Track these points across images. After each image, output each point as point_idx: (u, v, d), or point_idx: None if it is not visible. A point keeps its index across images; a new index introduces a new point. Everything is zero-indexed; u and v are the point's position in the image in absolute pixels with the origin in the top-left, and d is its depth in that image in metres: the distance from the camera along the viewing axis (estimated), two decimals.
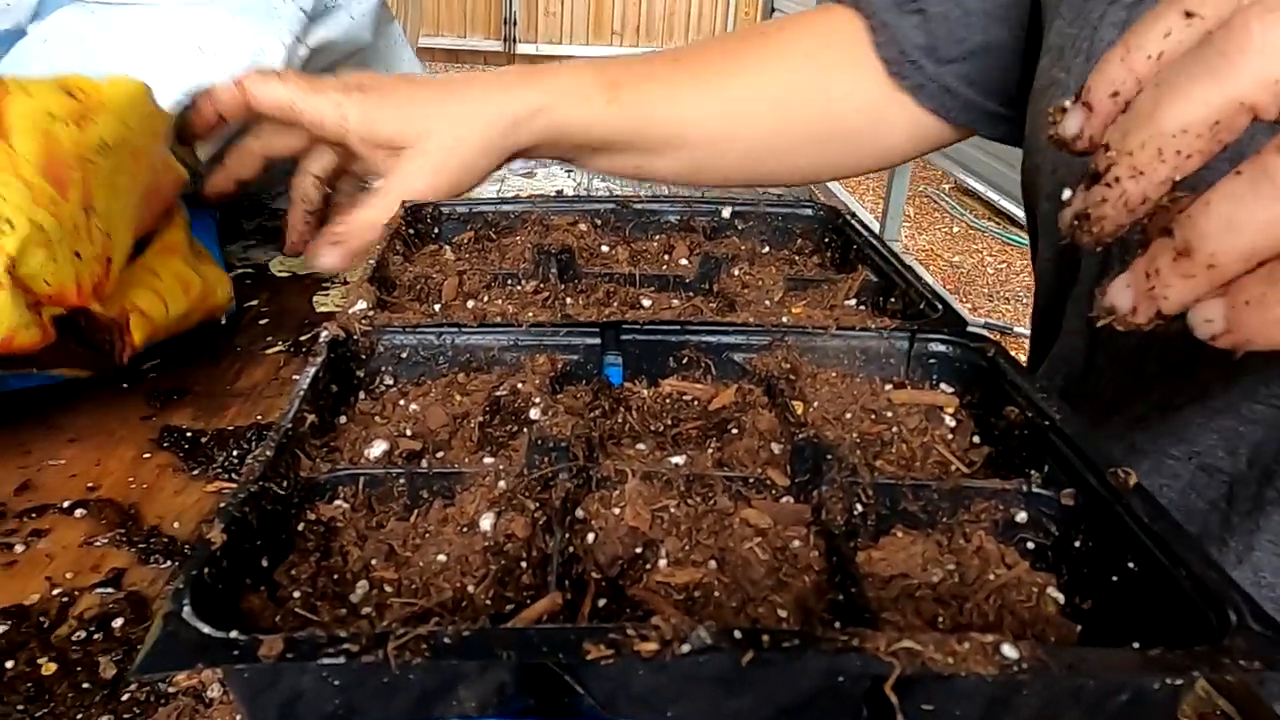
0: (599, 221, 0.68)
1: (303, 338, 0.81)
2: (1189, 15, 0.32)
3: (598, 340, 0.49)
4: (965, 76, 0.74)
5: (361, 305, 0.51)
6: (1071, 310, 0.64)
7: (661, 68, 0.80)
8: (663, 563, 0.36)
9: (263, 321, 0.85)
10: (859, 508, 0.39)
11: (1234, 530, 0.58)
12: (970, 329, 0.49)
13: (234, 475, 0.61)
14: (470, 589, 0.35)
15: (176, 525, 0.56)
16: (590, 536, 0.37)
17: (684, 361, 0.49)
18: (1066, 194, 0.34)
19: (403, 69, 1.12)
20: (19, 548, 0.54)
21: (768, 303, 0.57)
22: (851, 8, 0.79)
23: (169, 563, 0.53)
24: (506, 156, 0.77)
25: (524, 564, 0.36)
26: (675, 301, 0.58)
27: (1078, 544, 0.37)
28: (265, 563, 0.35)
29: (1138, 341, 0.58)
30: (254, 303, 0.89)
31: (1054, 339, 0.68)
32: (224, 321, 0.78)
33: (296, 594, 0.35)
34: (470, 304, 0.57)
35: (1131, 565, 0.34)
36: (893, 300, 0.56)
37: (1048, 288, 0.68)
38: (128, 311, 0.64)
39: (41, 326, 0.55)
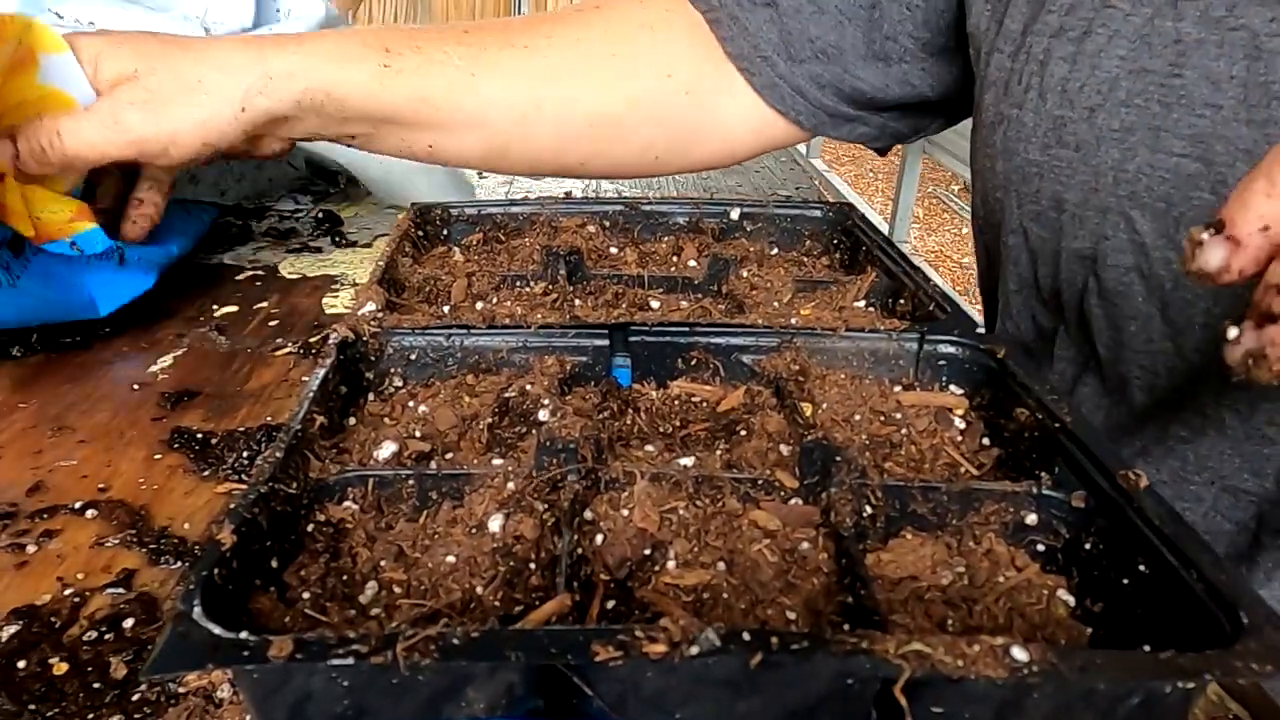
0: (607, 223, 0.68)
1: (312, 339, 0.81)
2: None
3: (606, 342, 0.49)
4: (816, 78, 0.70)
5: (371, 307, 0.51)
6: (1063, 337, 0.62)
7: (455, 34, 0.69)
8: (671, 564, 0.36)
9: (273, 323, 0.85)
10: (868, 509, 0.39)
11: (1264, 549, 0.57)
12: (979, 330, 0.49)
13: (244, 476, 0.62)
14: (479, 590, 0.35)
15: (187, 526, 0.57)
16: (599, 538, 0.37)
17: (693, 363, 0.49)
18: (1233, 332, 0.33)
19: None
20: (30, 548, 0.54)
21: (776, 304, 0.57)
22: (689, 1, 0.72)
23: (179, 563, 0.53)
24: (263, 120, 0.65)
25: (533, 565, 0.36)
26: (684, 303, 0.58)
27: (1088, 546, 0.37)
28: (275, 564, 0.35)
29: (1125, 373, 0.57)
30: (264, 304, 0.89)
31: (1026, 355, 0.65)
32: (81, 253, 0.72)
33: (306, 595, 0.35)
34: (479, 305, 0.57)
35: (1143, 568, 0.34)
36: (902, 302, 0.56)
37: (1020, 314, 0.65)
38: None
39: None
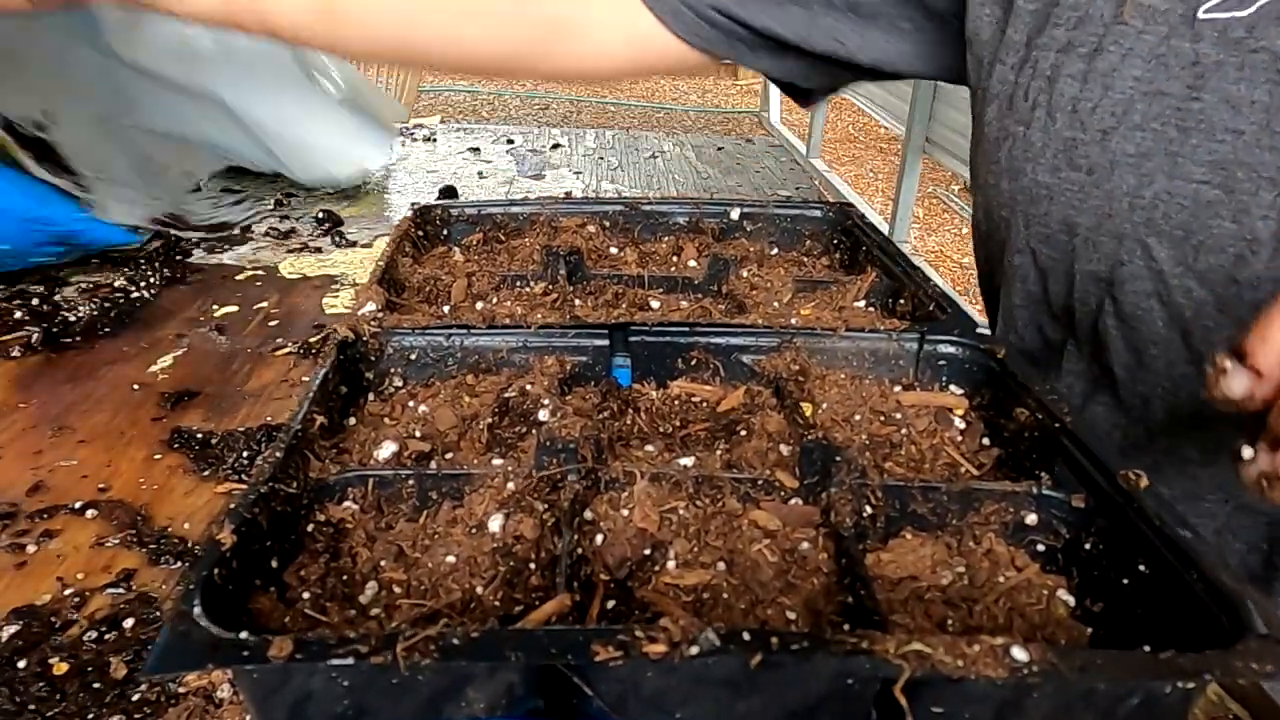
0: (608, 223, 0.68)
1: (312, 339, 0.81)
2: None
3: (606, 342, 0.49)
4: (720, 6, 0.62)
5: (371, 307, 0.51)
6: (1072, 352, 0.61)
7: None
8: (671, 564, 0.36)
9: (273, 323, 0.85)
10: (868, 510, 0.39)
11: (1277, 570, 0.56)
12: (980, 331, 0.49)
13: (244, 476, 0.62)
14: (479, 590, 0.35)
15: (187, 526, 0.57)
16: (599, 538, 0.37)
17: (693, 363, 0.49)
18: (1248, 453, 0.35)
19: None
20: (31, 548, 0.54)
21: (777, 304, 0.57)
22: None
23: (179, 563, 0.53)
24: None
25: (533, 565, 0.36)
26: (684, 303, 0.58)
27: (1088, 546, 0.37)
28: (275, 564, 0.35)
29: (1147, 393, 0.56)
30: (264, 304, 0.89)
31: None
32: None
33: (306, 595, 0.35)
34: (479, 305, 0.57)
35: (1143, 568, 0.34)
36: (902, 302, 0.56)
37: (1026, 327, 0.63)
38: None
39: None
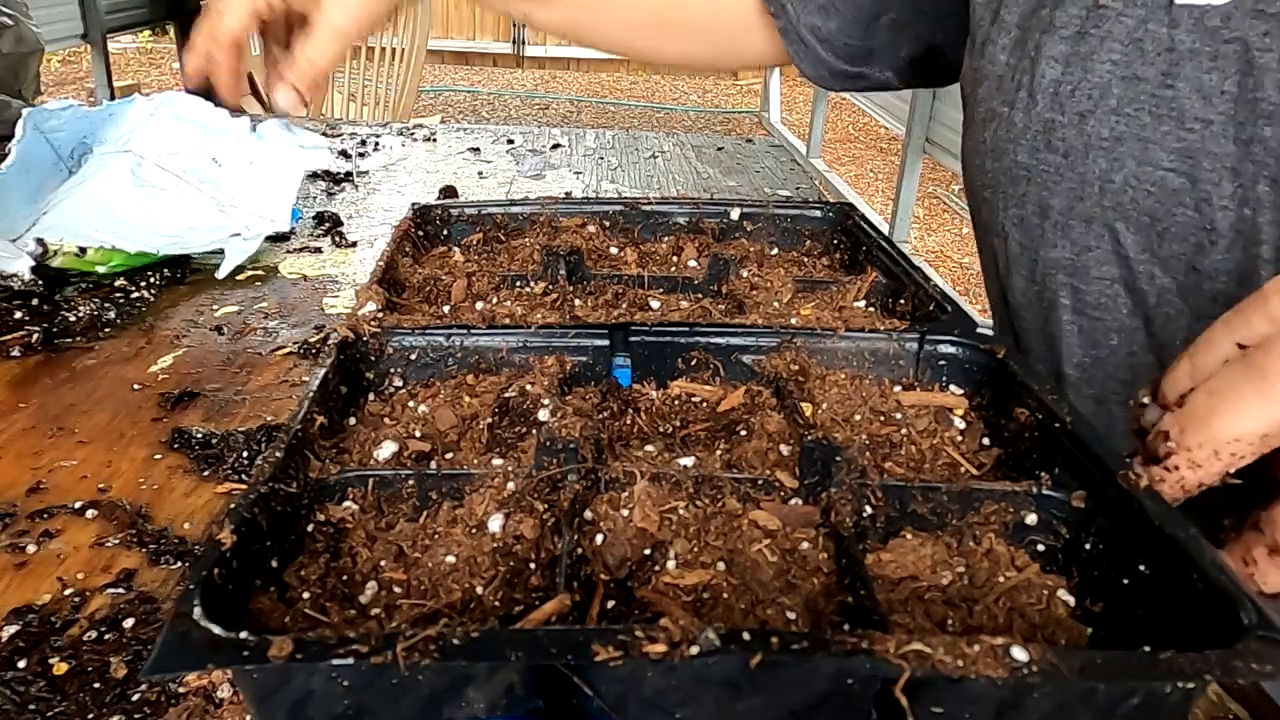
0: (608, 223, 0.68)
1: (312, 339, 0.81)
2: (1241, 346, 0.37)
3: (606, 342, 0.49)
4: (815, 30, 0.74)
5: (371, 307, 0.51)
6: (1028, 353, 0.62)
7: None
8: (671, 564, 0.36)
9: (273, 323, 0.85)
10: (868, 510, 0.39)
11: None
12: (980, 331, 0.49)
13: (244, 476, 0.62)
14: (479, 590, 0.35)
15: (187, 526, 0.57)
16: (599, 538, 0.37)
17: (693, 363, 0.49)
18: (1137, 465, 0.38)
19: None
20: (31, 548, 0.54)
21: (777, 304, 0.57)
22: None
23: (179, 564, 0.53)
24: None
25: (533, 565, 0.36)
26: (684, 303, 0.58)
27: (1088, 546, 0.37)
28: (275, 564, 0.35)
29: (1102, 393, 0.57)
30: (264, 304, 0.89)
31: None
32: None
33: (306, 595, 0.35)
34: (479, 305, 0.57)
35: (1143, 568, 0.34)
36: (902, 302, 0.56)
37: (1023, 307, 0.65)
38: None
39: None
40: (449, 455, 0.44)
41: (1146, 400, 0.41)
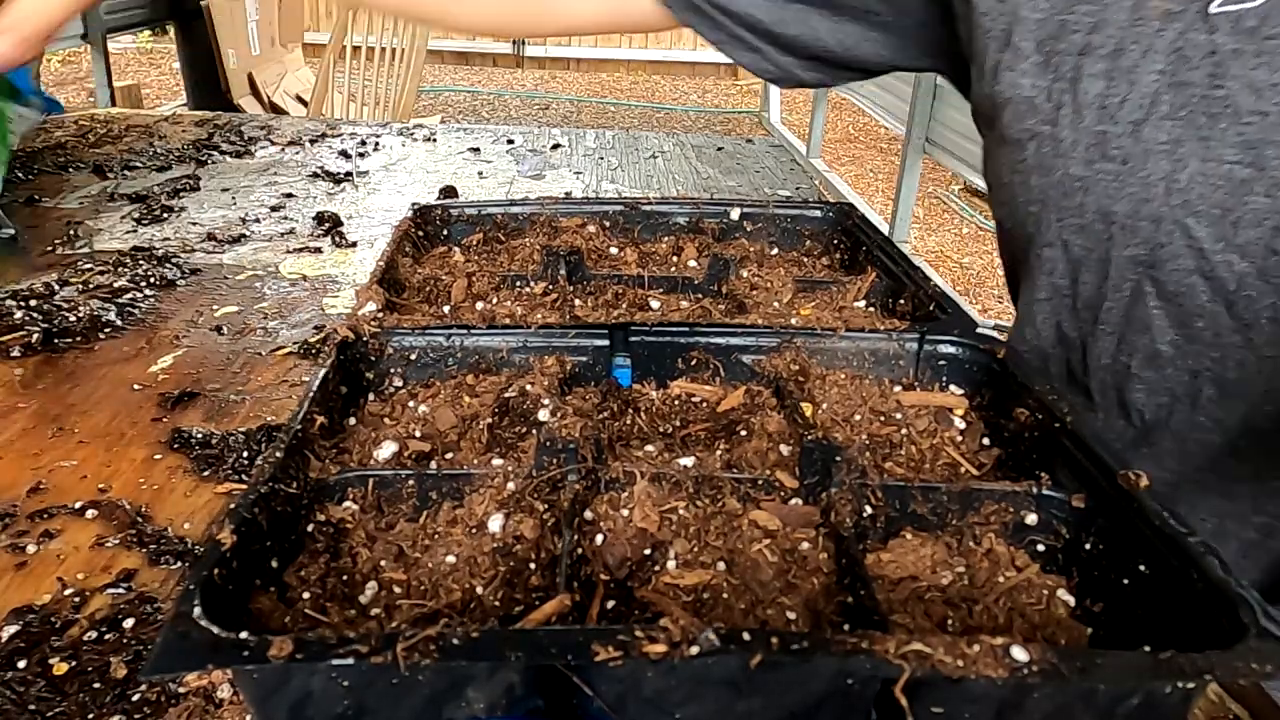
0: (608, 223, 0.68)
1: (312, 339, 0.81)
2: None
3: (606, 342, 0.49)
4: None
5: (371, 307, 0.51)
6: (1098, 344, 0.62)
7: None
8: (671, 564, 0.36)
9: (272, 323, 0.85)
10: (868, 510, 0.39)
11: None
12: (980, 331, 0.49)
13: (244, 476, 0.62)
14: (479, 590, 0.35)
15: (187, 526, 0.57)
16: (599, 538, 0.37)
17: (693, 363, 0.49)
18: None
19: None
20: (31, 548, 0.54)
21: (777, 304, 0.57)
22: None
23: (179, 564, 0.53)
24: None
25: (533, 565, 0.36)
26: (684, 303, 0.58)
27: (1088, 547, 0.37)
28: (275, 564, 0.35)
29: (1196, 367, 0.58)
30: (264, 304, 0.89)
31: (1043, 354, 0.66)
32: None
33: (306, 595, 0.35)
34: (479, 305, 0.57)
35: (1143, 568, 0.34)
36: (902, 302, 0.56)
37: (1045, 321, 0.64)
38: None
39: None
40: (449, 455, 0.44)
41: None
